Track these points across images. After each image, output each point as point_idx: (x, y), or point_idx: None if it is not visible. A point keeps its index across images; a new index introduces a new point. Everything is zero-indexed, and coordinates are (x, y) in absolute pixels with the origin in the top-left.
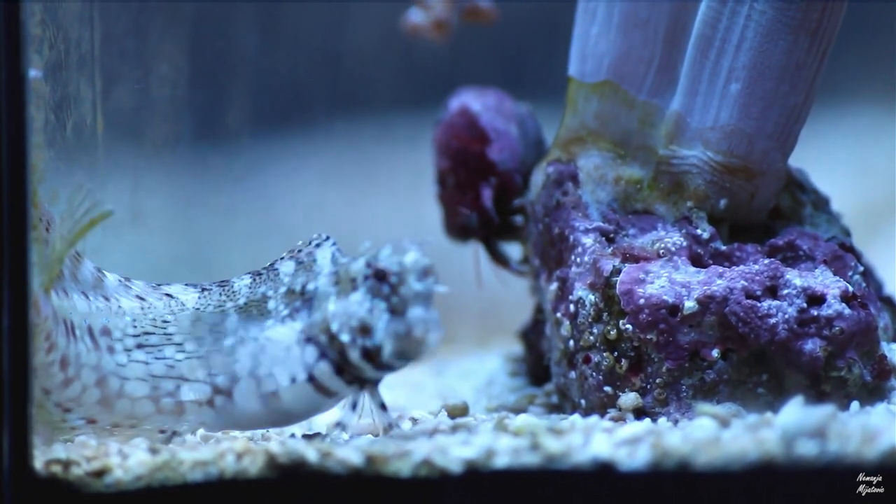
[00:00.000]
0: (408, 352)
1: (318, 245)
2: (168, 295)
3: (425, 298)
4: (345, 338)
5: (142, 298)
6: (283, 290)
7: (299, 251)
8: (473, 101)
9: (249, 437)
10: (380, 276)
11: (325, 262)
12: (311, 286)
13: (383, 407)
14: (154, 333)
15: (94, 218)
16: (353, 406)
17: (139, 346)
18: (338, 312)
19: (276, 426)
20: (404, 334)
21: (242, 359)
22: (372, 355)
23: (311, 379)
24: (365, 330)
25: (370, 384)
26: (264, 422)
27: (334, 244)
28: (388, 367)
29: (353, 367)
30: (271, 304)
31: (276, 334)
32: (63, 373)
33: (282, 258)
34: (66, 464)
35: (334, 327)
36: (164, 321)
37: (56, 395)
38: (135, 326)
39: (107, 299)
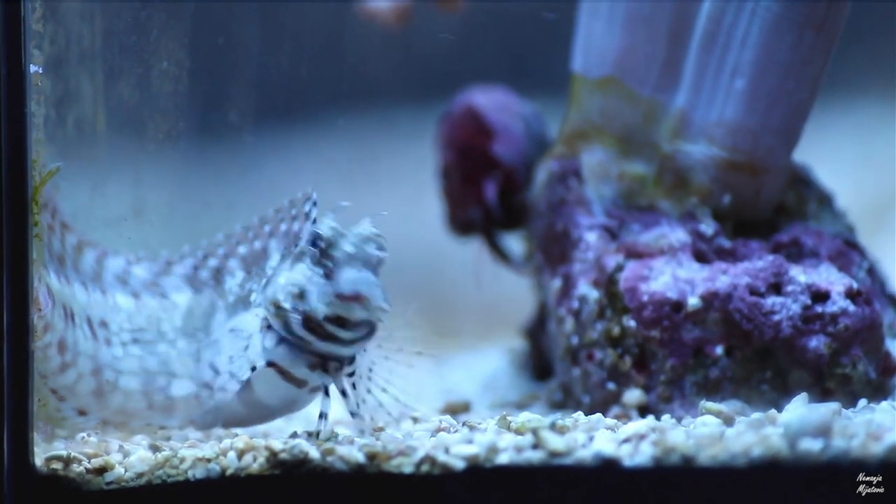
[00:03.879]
0: (342, 317)
1: (306, 217)
2: (162, 295)
3: (363, 262)
4: (286, 305)
5: (136, 296)
6: (264, 282)
7: (294, 216)
8: (480, 97)
9: (251, 434)
10: (316, 242)
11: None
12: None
13: (344, 394)
14: (147, 329)
15: (45, 176)
16: (326, 392)
17: (134, 341)
18: (285, 284)
19: (258, 422)
20: (333, 294)
21: (222, 353)
22: (313, 324)
23: (272, 365)
24: (302, 296)
25: (333, 368)
26: (245, 417)
27: (314, 221)
28: (330, 338)
29: (300, 340)
30: (253, 297)
31: (242, 323)
32: (61, 356)
33: (272, 230)
34: (67, 461)
35: (280, 297)
36: (158, 318)
37: (52, 380)
38: (129, 322)
39: (104, 293)
